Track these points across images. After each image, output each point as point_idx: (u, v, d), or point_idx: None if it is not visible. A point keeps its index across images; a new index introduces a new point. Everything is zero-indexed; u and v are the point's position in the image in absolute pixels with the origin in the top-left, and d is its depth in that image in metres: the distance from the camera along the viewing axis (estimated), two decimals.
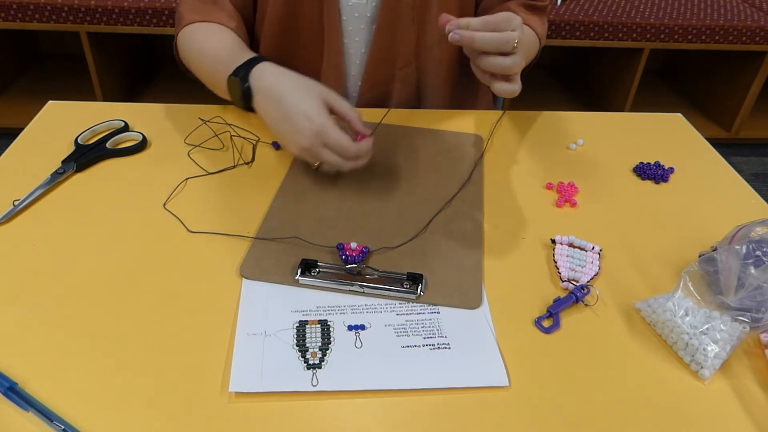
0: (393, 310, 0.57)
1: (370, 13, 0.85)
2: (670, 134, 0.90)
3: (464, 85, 0.99)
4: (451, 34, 0.62)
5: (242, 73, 0.71)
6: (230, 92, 0.74)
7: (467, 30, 0.62)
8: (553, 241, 0.66)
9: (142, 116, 0.84)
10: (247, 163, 0.76)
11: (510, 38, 0.62)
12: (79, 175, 0.72)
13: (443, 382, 0.50)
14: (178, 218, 0.66)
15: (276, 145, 0.79)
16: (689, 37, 2.04)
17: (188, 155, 0.76)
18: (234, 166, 0.75)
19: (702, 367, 0.52)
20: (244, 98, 0.71)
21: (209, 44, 0.81)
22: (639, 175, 0.79)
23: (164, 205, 0.68)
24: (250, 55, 0.75)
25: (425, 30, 0.88)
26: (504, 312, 0.57)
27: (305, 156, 0.67)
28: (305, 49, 0.88)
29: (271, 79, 0.69)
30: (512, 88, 0.66)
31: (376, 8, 0.85)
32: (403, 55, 0.89)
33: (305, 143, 0.65)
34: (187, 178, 0.72)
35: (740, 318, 0.55)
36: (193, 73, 0.87)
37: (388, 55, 0.88)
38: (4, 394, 0.47)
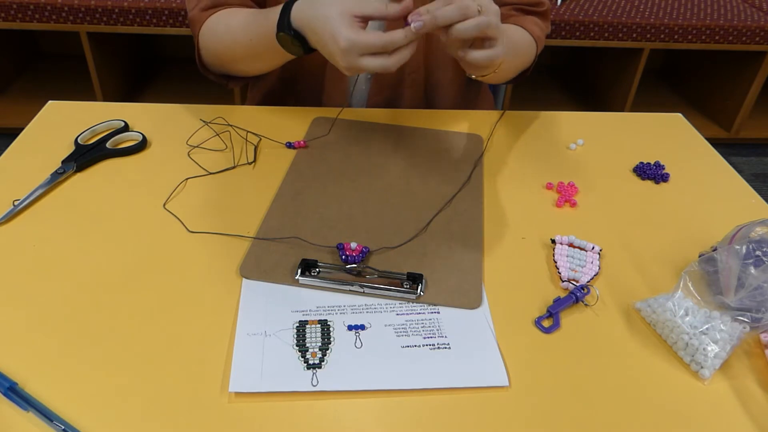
0: (393, 310, 0.57)
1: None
2: (670, 134, 0.90)
3: (471, 86, 0.99)
4: (413, 25, 0.61)
5: (285, 22, 0.68)
6: (287, 48, 0.71)
7: (427, 14, 0.60)
8: (553, 241, 0.66)
9: (142, 116, 0.84)
10: (249, 163, 0.76)
11: (469, 3, 0.60)
12: (79, 175, 0.72)
13: (443, 382, 0.50)
14: (178, 218, 0.66)
15: (289, 145, 0.79)
16: (689, 37, 2.04)
17: (188, 155, 0.76)
18: (234, 167, 0.75)
19: (702, 367, 0.52)
20: (302, 45, 0.69)
21: (238, 25, 0.78)
22: (639, 175, 0.79)
23: (164, 205, 0.68)
24: (278, 7, 0.72)
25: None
26: (504, 312, 0.57)
27: (356, 72, 0.64)
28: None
29: (303, 17, 0.67)
30: (489, 53, 0.64)
31: None
32: (413, 59, 0.89)
33: (344, 63, 0.63)
34: (187, 179, 0.72)
35: (740, 318, 0.55)
36: (224, 62, 0.83)
37: None
38: (4, 394, 0.47)
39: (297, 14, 0.68)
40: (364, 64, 0.62)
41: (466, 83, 0.97)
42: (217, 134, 0.81)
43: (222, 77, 0.87)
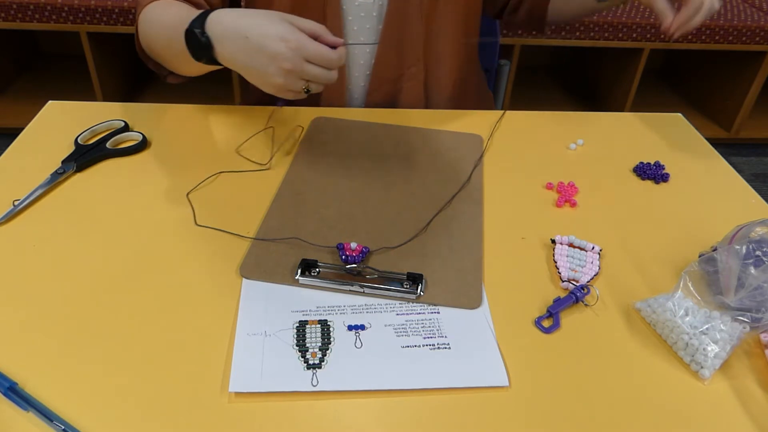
0: (393, 310, 0.57)
1: (376, 12, 0.85)
2: (670, 134, 0.90)
3: (469, 81, 0.99)
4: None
5: (198, 24, 0.65)
6: (190, 48, 0.67)
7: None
8: (553, 241, 0.66)
9: (142, 116, 0.84)
10: (288, 154, 0.76)
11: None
12: (79, 175, 0.72)
13: (443, 382, 0.50)
14: (193, 209, 0.66)
15: (282, 103, 0.78)
16: (689, 37, 2.04)
17: (237, 152, 0.77)
18: (262, 169, 0.75)
19: (702, 367, 0.52)
20: (205, 51, 0.66)
21: (168, 14, 0.76)
22: (639, 175, 0.79)
23: (187, 195, 0.69)
24: (206, 9, 0.69)
25: (433, 26, 0.88)
26: (504, 312, 0.57)
27: (290, 82, 0.63)
28: None
29: (230, 21, 0.65)
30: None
31: (383, 7, 0.85)
32: (412, 52, 0.89)
33: (287, 65, 0.61)
34: (219, 172, 0.73)
35: (740, 318, 0.55)
36: (154, 53, 0.81)
37: (397, 54, 0.88)
38: (4, 394, 0.47)
39: (220, 20, 0.65)
40: (308, 69, 0.62)
41: (465, 79, 0.97)
42: (263, 130, 0.80)
43: (162, 68, 0.84)
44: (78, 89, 2.15)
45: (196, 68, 0.74)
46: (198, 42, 0.65)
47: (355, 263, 0.60)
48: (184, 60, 0.71)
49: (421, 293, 0.58)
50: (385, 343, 0.54)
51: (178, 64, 0.77)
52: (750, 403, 0.51)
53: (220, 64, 0.68)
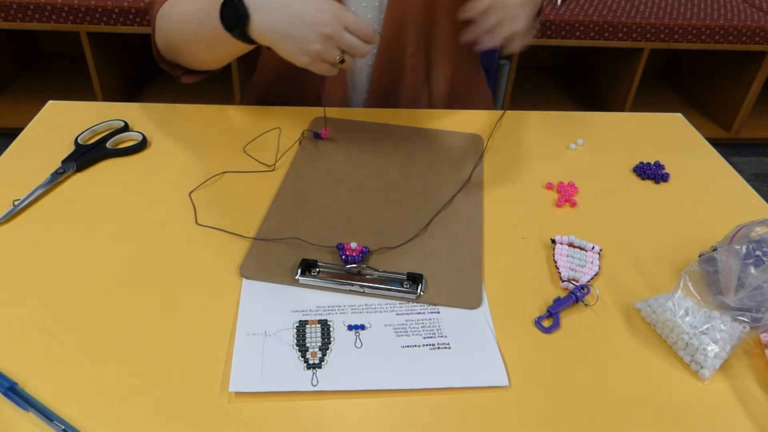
0: (393, 310, 0.57)
1: (378, 2, 0.85)
2: (670, 134, 0.90)
3: (469, 76, 0.99)
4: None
5: None
6: (224, 20, 0.68)
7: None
8: (553, 241, 0.66)
9: (142, 116, 0.84)
10: (292, 141, 0.76)
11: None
12: (79, 175, 0.72)
13: (443, 382, 0.50)
14: (194, 208, 0.66)
15: (318, 135, 0.80)
16: (689, 37, 2.04)
17: (244, 151, 0.77)
18: (267, 170, 0.75)
19: (702, 367, 0.52)
20: (241, 20, 0.66)
21: (190, 4, 0.76)
22: (639, 175, 0.79)
23: (190, 194, 0.69)
24: None
25: (435, 15, 0.88)
26: (504, 312, 0.57)
27: (326, 50, 0.64)
28: None
29: None
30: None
31: None
32: (414, 41, 0.89)
33: (327, 30, 0.63)
34: (224, 172, 0.73)
35: (740, 318, 0.55)
36: (174, 48, 0.81)
37: (399, 43, 0.88)
38: (4, 394, 0.47)
39: None
40: (346, 37, 0.64)
41: (464, 70, 0.97)
42: (266, 133, 0.81)
43: (177, 68, 0.84)
44: (78, 89, 2.15)
45: (221, 52, 0.75)
46: (236, 12, 0.66)
47: (355, 263, 0.60)
48: (213, 44, 0.73)
49: (421, 293, 0.58)
50: (385, 343, 0.54)
51: (207, 49, 0.77)
52: (750, 403, 0.51)
53: (250, 42, 0.69)
